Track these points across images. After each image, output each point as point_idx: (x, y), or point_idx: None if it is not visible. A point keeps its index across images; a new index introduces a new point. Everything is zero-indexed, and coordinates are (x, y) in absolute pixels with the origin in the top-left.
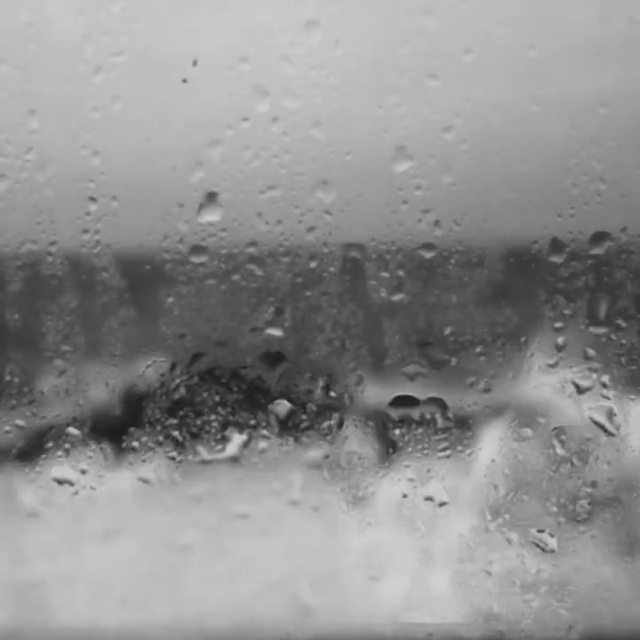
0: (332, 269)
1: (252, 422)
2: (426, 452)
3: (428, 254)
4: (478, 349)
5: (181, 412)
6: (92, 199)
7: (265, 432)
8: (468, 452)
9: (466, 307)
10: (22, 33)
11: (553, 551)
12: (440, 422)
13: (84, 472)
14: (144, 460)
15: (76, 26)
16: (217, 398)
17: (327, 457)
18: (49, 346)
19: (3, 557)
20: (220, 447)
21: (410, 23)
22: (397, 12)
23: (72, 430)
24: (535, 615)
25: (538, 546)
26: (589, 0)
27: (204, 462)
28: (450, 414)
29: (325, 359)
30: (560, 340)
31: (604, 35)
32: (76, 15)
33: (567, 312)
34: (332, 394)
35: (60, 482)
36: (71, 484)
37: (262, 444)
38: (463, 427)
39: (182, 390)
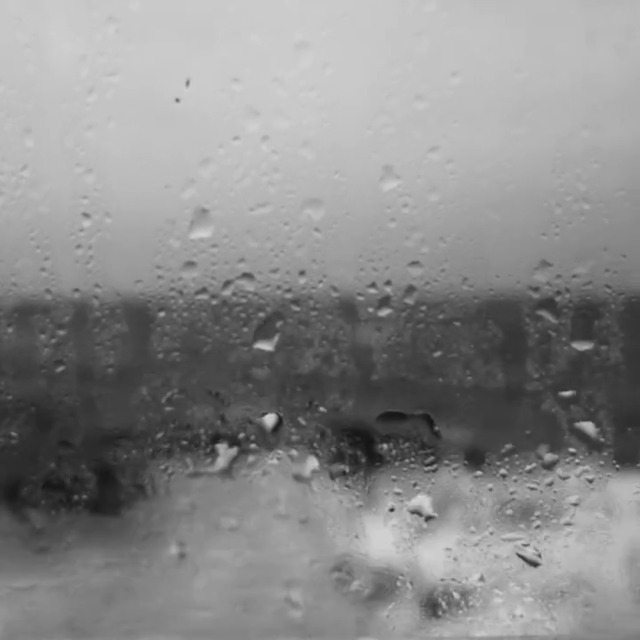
0: (320, 285)
1: (242, 436)
2: (412, 466)
3: (415, 271)
4: (464, 365)
5: (172, 425)
6: (86, 215)
7: (253, 445)
8: (453, 466)
9: (451, 323)
10: (19, 53)
11: (538, 564)
12: (426, 437)
13: (76, 484)
14: (135, 473)
15: (72, 47)
16: (207, 412)
17: (315, 471)
18: (42, 360)
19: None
20: (209, 460)
21: (398, 46)
22: (386, 35)
23: (65, 443)
24: (521, 628)
25: (523, 559)
26: (576, 25)
27: (194, 475)
28: (436, 429)
29: (314, 373)
30: (544, 355)
31: (589, 59)
32: (72, 36)
33: (551, 329)
34: (321, 408)
35: (54, 493)
36: (64, 495)
37: (251, 458)
38: (449, 442)
39: (173, 403)
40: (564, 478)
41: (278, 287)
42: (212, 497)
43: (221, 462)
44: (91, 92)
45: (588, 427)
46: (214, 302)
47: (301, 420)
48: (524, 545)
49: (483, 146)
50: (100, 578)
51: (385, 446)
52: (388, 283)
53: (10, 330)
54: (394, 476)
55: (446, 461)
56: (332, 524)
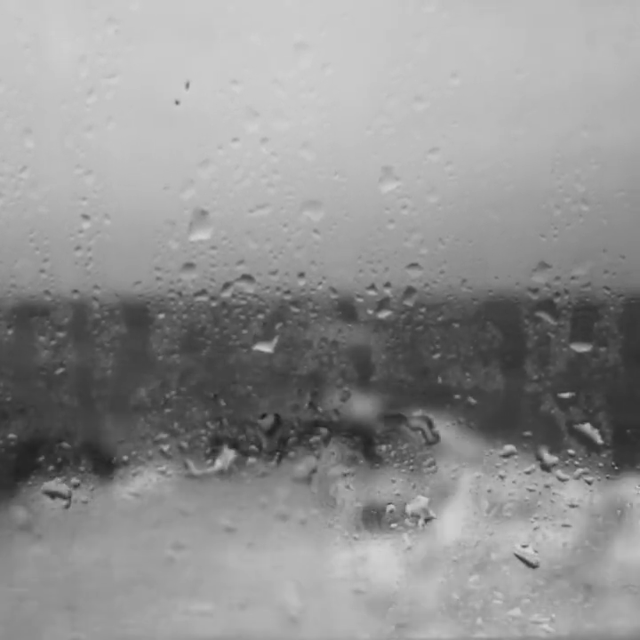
0: (319, 287)
1: (241, 437)
2: (411, 467)
3: (414, 273)
4: (463, 367)
5: (171, 427)
6: (85, 217)
7: (253, 447)
8: (453, 467)
9: (450, 325)
10: (19, 54)
11: (536, 566)
12: (425, 438)
13: (76, 486)
14: (134, 474)
15: (72, 47)
16: (206, 413)
17: (314, 472)
18: (41, 361)
19: None
20: (209, 462)
21: (398, 46)
22: (386, 35)
23: (64, 444)
24: (519, 630)
25: (522, 560)
26: (576, 25)
27: (194, 477)
28: (435, 430)
29: (313, 375)
30: (543, 357)
31: (589, 59)
32: (72, 37)
33: (550, 330)
34: (320, 409)
35: (52, 495)
36: (63, 497)
37: (250, 460)
38: (448, 443)
39: (172, 405)
40: (563, 480)
41: (277, 289)
42: (212, 499)
43: (221, 464)
44: (90, 93)
45: (588, 428)
46: (213, 304)
47: (300, 422)
48: (523, 546)
49: (482, 146)
50: (100, 580)
51: (384, 448)
52: (387, 284)
53: (9, 331)
54: (393, 478)
55: (445, 463)
56: (332, 526)
